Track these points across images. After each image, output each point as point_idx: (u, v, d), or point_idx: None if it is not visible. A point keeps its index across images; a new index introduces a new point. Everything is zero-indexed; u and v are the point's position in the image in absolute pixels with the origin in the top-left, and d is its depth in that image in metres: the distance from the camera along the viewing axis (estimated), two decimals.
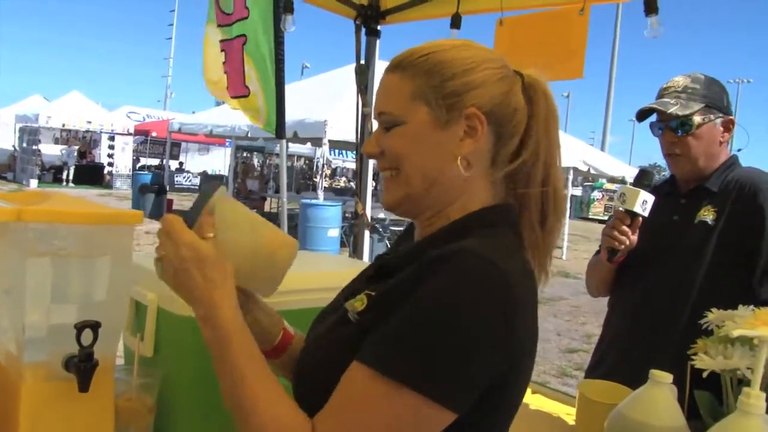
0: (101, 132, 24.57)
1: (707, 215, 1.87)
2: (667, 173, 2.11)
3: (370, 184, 3.78)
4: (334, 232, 11.32)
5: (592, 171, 16.07)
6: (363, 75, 3.08)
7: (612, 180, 20.27)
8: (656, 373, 1.16)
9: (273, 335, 1.19)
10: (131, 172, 22.95)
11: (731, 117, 1.93)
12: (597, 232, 2.00)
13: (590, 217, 31.03)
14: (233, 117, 12.22)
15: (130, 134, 24.94)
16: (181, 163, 29.38)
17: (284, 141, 3.70)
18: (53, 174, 23.30)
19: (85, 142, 26.13)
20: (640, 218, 1.86)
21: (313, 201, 11.84)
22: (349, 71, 3.49)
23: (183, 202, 20.37)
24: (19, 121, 23.78)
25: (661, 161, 2.02)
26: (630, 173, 14.99)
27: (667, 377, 1.15)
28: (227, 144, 23.01)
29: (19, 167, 23.49)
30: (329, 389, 0.87)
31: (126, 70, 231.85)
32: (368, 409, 0.83)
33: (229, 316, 0.96)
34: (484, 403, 0.87)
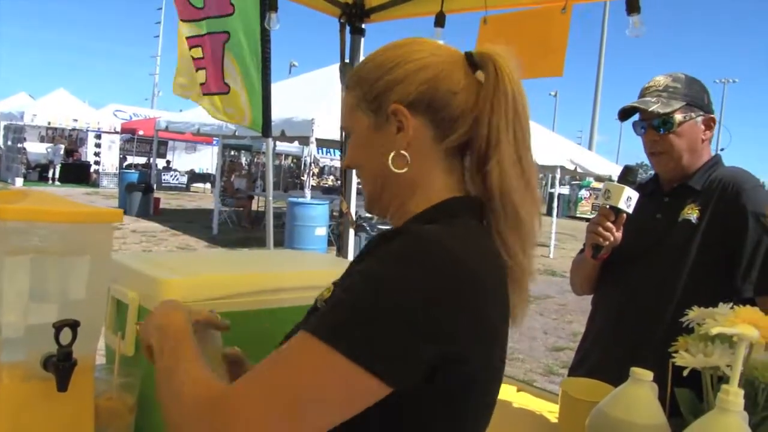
0: (88, 130, 24.40)
1: (691, 213, 1.88)
2: (652, 172, 2.12)
3: (355, 183, 3.77)
4: (322, 231, 11.32)
5: (579, 170, 16.15)
6: (347, 73, 3.07)
7: (599, 179, 20.36)
8: (637, 371, 1.16)
9: None
10: (118, 171, 22.81)
11: (712, 115, 1.94)
12: (584, 231, 2.01)
13: (578, 215, 31.17)
14: None
15: (116, 132, 24.79)
16: (168, 162, 29.26)
17: (270, 140, 3.69)
18: (39, 172, 23.14)
19: (71, 141, 25.96)
20: (625, 215, 1.86)
21: (301, 199, 11.83)
22: (336, 70, 3.48)
23: (170, 200, 20.32)
24: (4, 119, 23.59)
25: (648, 160, 2.03)
26: (617, 172, 15.08)
27: (648, 375, 1.15)
28: (214, 142, 22.92)
29: (3, 166, 23.32)
30: None
31: (113, 68, 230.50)
32: (287, 363, 0.83)
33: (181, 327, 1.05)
34: (436, 387, 0.85)
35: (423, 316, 0.81)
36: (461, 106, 1.00)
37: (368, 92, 1.02)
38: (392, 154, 1.00)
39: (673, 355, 1.22)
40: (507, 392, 2.02)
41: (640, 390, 1.16)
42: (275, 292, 1.53)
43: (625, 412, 1.13)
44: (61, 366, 1.12)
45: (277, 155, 21.63)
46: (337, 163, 29.78)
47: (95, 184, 23.67)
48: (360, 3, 3.26)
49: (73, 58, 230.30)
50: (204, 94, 3.64)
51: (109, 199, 17.79)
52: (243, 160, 28.70)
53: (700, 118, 1.91)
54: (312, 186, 14.17)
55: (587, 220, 2.01)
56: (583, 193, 32.63)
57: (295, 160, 30.22)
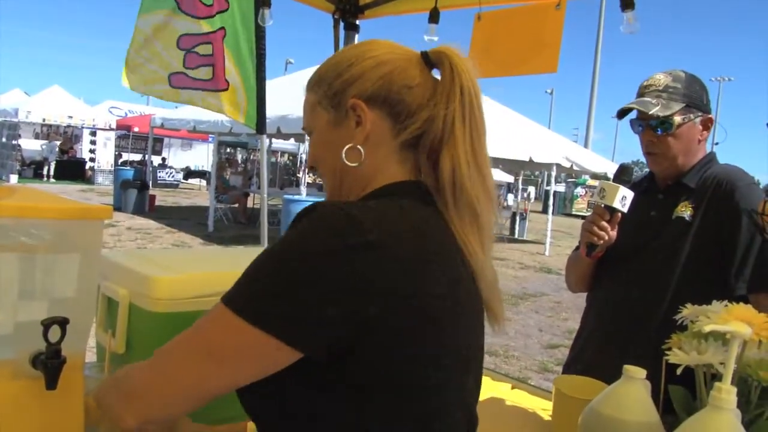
0: (83, 127, 24.32)
1: (685, 211, 1.87)
2: (647, 170, 2.11)
3: None
4: None
5: (575, 167, 16.16)
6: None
7: (595, 176, 20.40)
8: (630, 369, 1.15)
9: None
10: (113, 168, 22.74)
11: (710, 116, 1.93)
12: (580, 229, 2.01)
13: (573, 213, 31.24)
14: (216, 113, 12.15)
15: (112, 129, 24.72)
16: (163, 159, 29.20)
17: (265, 136, 3.67)
18: (34, 169, 23.06)
19: (66, 137, 25.88)
20: (620, 214, 1.86)
21: (296, 196, 11.82)
22: None
23: (166, 198, 20.29)
24: None
25: (643, 157, 2.03)
26: (612, 169, 15.12)
27: (641, 372, 1.15)
28: (210, 140, 22.87)
29: None
30: None
31: (108, 65, 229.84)
32: (198, 329, 0.91)
33: None
34: (351, 358, 0.87)
35: (330, 281, 0.84)
36: (417, 100, 1.03)
37: (328, 90, 1.06)
38: (347, 147, 1.03)
39: (667, 352, 1.22)
40: (501, 390, 2.02)
41: (633, 388, 1.15)
42: None
43: (618, 410, 1.13)
44: (49, 364, 1.11)
45: (272, 152, 21.59)
46: None
47: (90, 181, 23.60)
48: None
49: (67, 54, 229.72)
50: (210, 90, 3.61)
51: (104, 196, 17.74)
52: (239, 157, 28.67)
53: (698, 119, 1.91)
54: (308, 183, 14.17)
55: (583, 217, 2.00)
56: (579, 190, 32.70)
57: (291, 158, 30.20)
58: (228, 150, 28.12)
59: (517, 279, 11.78)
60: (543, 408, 1.85)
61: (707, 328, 1.07)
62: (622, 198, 1.83)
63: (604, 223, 1.87)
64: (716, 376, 1.13)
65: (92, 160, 24.75)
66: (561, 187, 33.43)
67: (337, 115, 1.05)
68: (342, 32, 3.25)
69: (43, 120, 22.90)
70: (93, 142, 24.88)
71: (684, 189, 1.92)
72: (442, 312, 0.93)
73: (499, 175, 32.32)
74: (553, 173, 17.08)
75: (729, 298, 1.25)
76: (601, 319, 2.05)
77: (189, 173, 29.01)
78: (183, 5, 3.58)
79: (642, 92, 1.94)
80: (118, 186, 16.69)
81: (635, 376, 1.15)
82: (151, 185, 18.16)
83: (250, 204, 16.68)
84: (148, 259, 1.57)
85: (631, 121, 1.97)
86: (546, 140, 16.08)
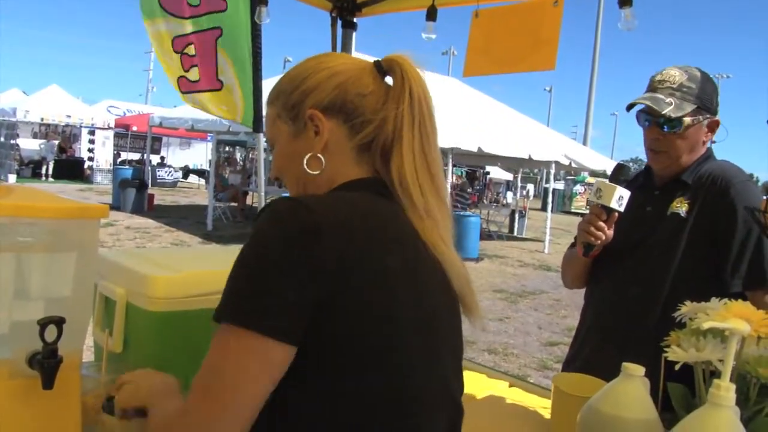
0: (81, 126, 24.30)
1: (680, 207, 1.87)
2: (644, 162, 2.10)
3: None
4: None
5: (573, 165, 16.16)
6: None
7: (594, 174, 20.40)
8: (628, 366, 1.15)
9: None
10: (112, 167, 22.72)
11: (717, 119, 1.91)
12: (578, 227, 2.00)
13: (573, 210, 31.25)
14: None
15: (110, 128, 24.70)
16: (162, 158, 29.17)
17: (262, 135, 3.67)
18: (32, 169, 23.04)
19: (64, 137, 25.85)
20: (616, 214, 1.85)
21: None
22: None
23: (164, 197, 20.28)
24: None
25: (642, 155, 2.01)
26: (611, 167, 15.16)
27: (639, 370, 1.15)
28: (208, 138, 22.84)
29: None
30: None
31: (106, 64, 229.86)
32: (211, 353, 0.92)
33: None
34: (322, 338, 0.91)
35: (291, 265, 0.89)
36: (370, 106, 1.08)
37: (286, 102, 1.11)
38: (308, 157, 1.08)
39: (665, 349, 1.22)
40: (499, 388, 2.02)
41: (632, 385, 1.15)
42: None
43: (616, 408, 1.12)
44: (46, 363, 1.11)
45: (272, 151, 21.52)
46: None
47: (89, 181, 23.58)
48: None
49: (66, 54, 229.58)
50: (195, 92, 3.61)
51: (103, 196, 17.73)
52: (238, 155, 28.64)
53: (706, 121, 1.89)
54: None
55: (582, 215, 1.99)
56: (578, 188, 32.70)
57: None
58: (227, 149, 28.07)
59: (517, 277, 11.78)
60: (542, 406, 1.85)
61: (706, 325, 1.07)
62: (619, 198, 1.82)
63: (601, 223, 1.86)
64: (715, 373, 1.13)
65: (91, 159, 24.73)
66: (560, 185, 33.44)
67: (297, 127, 1.10)
68: (339, 30, 3.24)
69: (42, 119, 22.89)
70: (91, 142, 24.86)
71: (680, 184, 1.91)
72: (400, 281, 0.98)
73: (498, 173, 32.39)
74: (552, 171, 17.09)
75: (725, 295, 1.25)
76: (599, 317, 2.05)
77: (188, 172, 28.98)
78: (165, 4, 3.57)
79: (654, 86, 1.90)
80: (116, 185, 16.67)
81: (634, 373, 1.15)
82: (150, 184, 18.14)
83: (249, 202, 16.67)
84: (145, 257, 1.57)
85: (638, 114, 1.94)
86: (545, 138, 16.09)
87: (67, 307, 1.15)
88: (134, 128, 23.92)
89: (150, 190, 17.20)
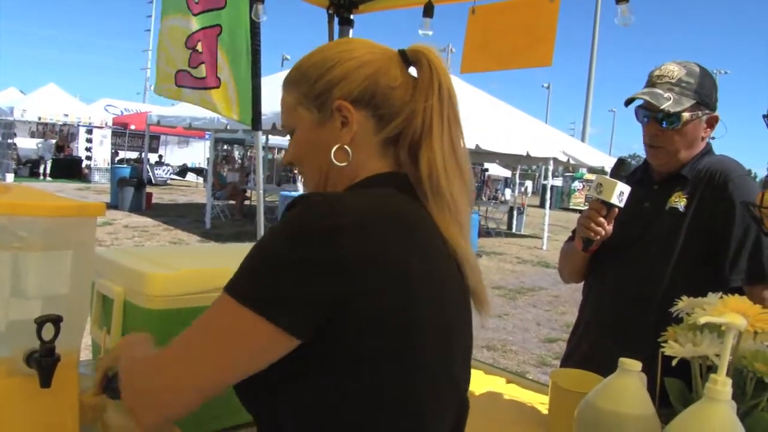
0: (79, 125, 24.27)
1: (678, 202, 1.87)
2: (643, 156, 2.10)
3: None
4: None
5: (572, 161, 16.17)
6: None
7: (592, 170, 20.42)
8: (625, 362, 1.15)
9: None
10: (110, 166, 22.70)
11: (716, 114, 1.91)
12: (577, 223, 2.00)
13: (571, 207, 31.26)
14: None
15: (108, 127, 24.66)
16: (160, 156, 29.16)
17: (260, 133, 3.67)
18: (30, 168, 23.02)
19: (62, 136, 25.83)
20: (617, 209, 1.84)
21: (293, 193, 11.81)
22: None
23: (162, 195, 20.27)
24: None
25: (640, 151, 2.00)
26: (609, 163, 15.14)
27: (636, 365, 1.15)
28: (207, 137, 22.82)
29: None
30: None
31: (104, 63, 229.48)
32: (206, 317, 0.94)
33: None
34: (335, 338, 0.90)
35: (296, 260, 0.88)
36: (399, 99, 1.07)
37: (310, 90, 1.08)
38: (335, 148, 1.06)
39: (663, 344, 1.22)
40: (497, 384, 2.02)
41: (629, 380, 1.15)
42: None
43: (614, 403, 1.13)
44: (43, 362, 1.11)
45: (270, 149, 21.55)
46: None
47: (87, 180, 23.56)
48: None
49: (63, 52, 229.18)
50: (201, 89, 3.62)
51: (101, 194, 17.72)
52: (236, 153, 28.62)
53: (705, 117, 1.89)
54: None
55: (580, 212, 1.98)
56: (576, 184, 32.70)
57: None
58: (225, 147, 28.06)
59: (515, 273, 11.79)
60: (540, 402, 1.85)
61: (702, 320, 1.07)
62: (620, 193, 1.81)
63: (601, 219, 1.85)
64: (712, 368, 1.13)
65: (89, 158, 24.70)
66: (558, 182, 33.45)
67: (322, 116, 1.07)
68: (336, 27, 3.24)
69: (39, 118, 22.84)
70: (89, 140, 24.82)
71: (678, 180, 1.91)
72: (421, 284, 0.96)
73: (497, 170, 32.40)
74: (551, 167, 17.09)
75: (723, 290, 1.25)
76: (597, 312, 2.05)
77: (185, 170, 28.97)
78: (190, 5, 3.60)
79: (653, 81, 1.90)
80: (114, 184, 16.66)
81: (631, 368, 1.15)
82: (147, 182, 18.13)
83: (247, 201, 16.66)
84: (142, 256, 1.57)
85: (637, 110, 1.94)
86: (543, 134, 16.07)
87: (64, 306, 1.14)
88: (132, 127, 23.89)
89: (148, 189, 17.19)
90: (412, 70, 1.10)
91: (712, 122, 1.92)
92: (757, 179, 1.93)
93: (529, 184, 34.30)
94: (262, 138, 3.83)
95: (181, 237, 12.55)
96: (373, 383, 0.93)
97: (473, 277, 1.09)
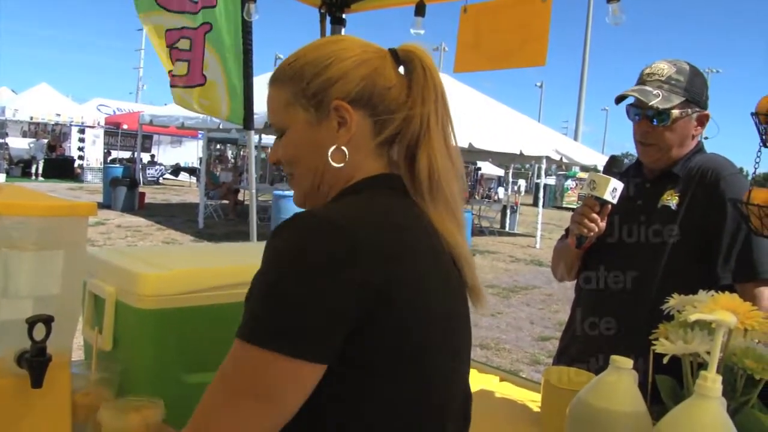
0: (71, 125, 24.18)
1: (671, 200, 1.88)
2: (635, 155, 2.10)
3: None
4: None
5: (565, 160, 16.20)
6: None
7: (584, 169, 20.46)
8: (617, 359, 1.16)
9: None
10: (102, 166, 22.61)
11: (707, 112, 1.93)
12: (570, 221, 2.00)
13: (564, 206, 31.31)
14: None
15: (100, 127, 24.57)
16: (152, 156, 29.07)
17: (252, 132, 3.66)
18: (22, 168, 22.91)
19: (54, 136, 25.72)
20: (609, 206, 1.85)
21: (286, 192, 11.77)
22: None
23: (155, 195, 20.21)
24: None
25: (633, 150, 2.01)
26: (602, 162, 15.17)
27: (628, 363, 1.15)
28: (199, 136, 22.76)
29: None
30: None
31: (96, 62, 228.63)
32: (226, 368, 0.89)
33: None
34: (358, 352, 0.90)
35: (323, 285, 0.86)
36: (394, 100, 1.06)
37: (306, 89, 1.04)
38: (332, 149, 1.04)
39: (654, 342, 1.22)
40: (489, 382, 2.03)
41: (620, 378, 1.15)
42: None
43: (605, 401, 1.13)
44: (34, 362, 1.11)
45: (262, 148, 21.51)
46: None
47: (80, 179, 23.47)
48: None
49: (55, 52, 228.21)
50: (181, 87, 3.60)
51: (94, 194, 17.64)
52: (229, 153, 28.56)
53: (695, 115, 1.90)
54: None
55: (573, 210, 1.99)
56: (569, 183, 32.77)
57: None
58: (218, 146, 27.98)
59: (509, 272, 11.81)
60: (532, 400, 1.86)
61: (693, 317, 1.07)
62: (613, 190, 1.82)
63: (595, 215, 1.86)
64: (703, 366, 1.14)
65: (81, 158, 24.60)
66: (551, 180, 33.50)
67: (318, 115, 1.04)
68: (328, 26, 3.24)
69: (31, 118, 22.78)
70: (82, 140, 24.71)
71: (670, 178, 1.92)
72: (430, 290, 0.97)
73: (490, 169, 32.44)
74: (543, 166, 17.12)
75: (715, 288, 1.26)
76: (590, 310, 2.05)
77: (178, 170, 28.91)
78: (160, 2, 3.56)
79: (643, 79, 1.92)
80: (107, 184, 16.61)
81: (622, 366, 1.15)
82: (140, 182, 18.08)
83: (240, 200, 16.63)
84: (134, 255, 1.56)
85: (628, 108, 1.95)
86: (536, 133, 16.11)
87: (55, 306, 1.14)
88: (125, 126, 23.79)
89: (141, 189, 17.14)
90: (401, 69, 1.10)
91: (702, 120, 1.92)
92: (749, 177, 1.93)
93: (522, 182, 34.34)
94: (254, 137, 3.82)
95: (174, 237, 12.52)
96: (390, 391, 0.93)
97: (470, 273, 1.10)
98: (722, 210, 1.78)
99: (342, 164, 1.04)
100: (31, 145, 23.86)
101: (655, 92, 1.84)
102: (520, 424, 1.74)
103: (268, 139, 20.63)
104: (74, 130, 24.67)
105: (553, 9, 2.50)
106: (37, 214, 1.14)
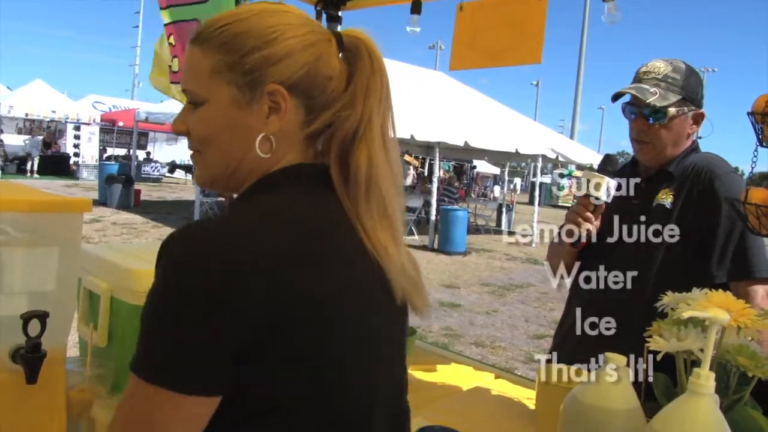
0: (66, 122, 24.12)
1: (665, 198, 1.88)
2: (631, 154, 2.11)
3: None
4: None
5: (560, 158, 16.22)
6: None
7: (580, 167, 20.48)
8: (610, 356, 1.16)
9: None
10: (98, 163, 22.55)
11: (702, 111, 1.93)
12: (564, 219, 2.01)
13: (560, 204, 31.33)
14: None
15: (96, 124, 24.51)
16: (148, 153, 29.01)
17: None
18: (17, 165, 22.83)
19: (49, 132, 25.64)
20: (604, 204, 1.86)
21: None
22: None
23: (151, 192, 20.17)
24: None
25: (629, 148, 2.02)
26: (598, 160, 15.22)
27: (621, 360, 1.16)
28: None
29: None
30: None
31: (92, 59, 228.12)
32: (122, 403, 0.83)
33: None
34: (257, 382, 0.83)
35: (203, 315, 0.78)
36: (333, 90, 0.96)
37: (239, 62, 0.91)
38: (260, 138, 0.92)
39: (648, 340, 1.23)
40: (485, 380, 2.03)
41: (614, 376, 1.16)
42: None
43: (599, 398, 1.13)
44: (29, 358, 1.11)
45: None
46: None
47: (75, 176, 23.41)
48: None
49: (50, 48, 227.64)
50: (173, 83, 3.60)
51: (89, 191, 17.61)
52: None
53: (691, 113, 1.90)
54: None
55: (569, 208, 2.00)
56: (565, 182, 32.77)
57: None
58: None
59: (504, 270, 11.82)
60: (527, 397, 1.86)
61: (686, 315, 1.08)
62: (607, 189, 1.83)
63: (589, 214, 1.87)
64: (696, 363, 1.14)
65: (76, 155, 24.52)
66: (547, 179, 33.51)
67: (248, 96, 0.92)
68: (324, 23, 3.24)
69: (26, 115, 22.70)
70: (77, 137, 24.64)
71: (665, 176, 1.92)
72: (336, 312, 0.88)
73: (486, 167, 32.44)
74: (539, 164, 17.14)
75: (710, 286, 1.26)
76: (584, 308, 2.05)
77: (174, 167, 28.86)
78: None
79: (640, 78, 1.92)
80: (102, 181, 16.57)
81: (616, 363, 1.16)
82: (136, 180, 18.04)
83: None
84: (129, 252, 1.56)
85: (624, 106, 1.95)
86: (532, 132, 16.15)
87: (50, 302, 1.14)
88: (120, 123, 23.74)
89: (136, 186, 17.10)
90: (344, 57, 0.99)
91: (698, 119, 1.93)
92: (744, 176, 1.94)
93: (517, 181, 34.34)
94: None
95: None
96: (293, 425, 0.86)
97: (403, 283, 0.97)
98: (717, 209, 1.79)
99: (268, 155, 0.93)
100: (27, 142, 23.77)
101: (651, 90, 1.85)
102: (516, 421, 1.75)
103: None
104: (70, 127, 24.60)
105: (549, 7, 2.50)
106: (32, 210, 1.14)
